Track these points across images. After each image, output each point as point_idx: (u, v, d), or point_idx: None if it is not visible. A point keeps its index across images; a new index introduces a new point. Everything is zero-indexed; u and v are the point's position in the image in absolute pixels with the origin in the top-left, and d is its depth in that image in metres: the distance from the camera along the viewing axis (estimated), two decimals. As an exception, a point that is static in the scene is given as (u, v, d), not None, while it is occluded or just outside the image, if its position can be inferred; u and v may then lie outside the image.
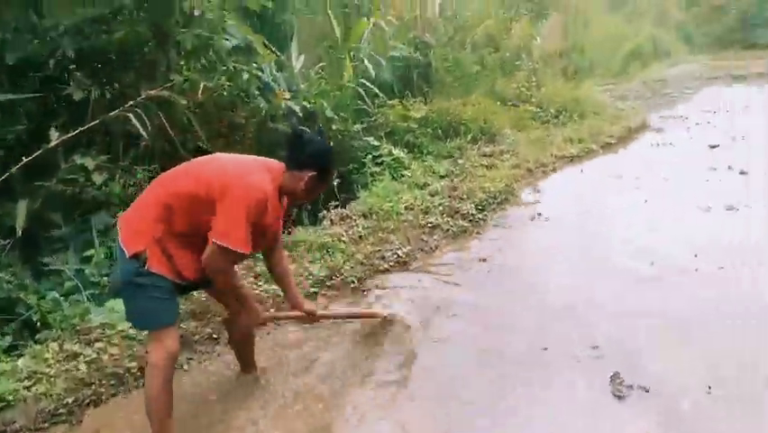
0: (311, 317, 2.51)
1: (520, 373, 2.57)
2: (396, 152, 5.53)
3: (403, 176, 5.27)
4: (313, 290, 3.25)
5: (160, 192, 2.06)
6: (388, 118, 6.10)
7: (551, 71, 9.73)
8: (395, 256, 3.69)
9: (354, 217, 4.19)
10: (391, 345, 2.76)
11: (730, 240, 3.95)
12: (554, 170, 5.95)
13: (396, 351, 2.72)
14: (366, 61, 6.66)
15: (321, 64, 6.53)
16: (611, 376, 2.45)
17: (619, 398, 2.35)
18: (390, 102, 6.42)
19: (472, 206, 4.55)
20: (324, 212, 4.28)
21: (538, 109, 7.79)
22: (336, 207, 4.36)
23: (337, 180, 4.61)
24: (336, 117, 5.37)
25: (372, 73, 6.61)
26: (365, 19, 7.00)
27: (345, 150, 5.39)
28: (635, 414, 2.27)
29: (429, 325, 2.96)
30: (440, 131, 6.27)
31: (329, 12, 6.55)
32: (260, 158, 2.22)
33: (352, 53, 6.57)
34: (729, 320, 2.91)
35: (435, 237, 4.10)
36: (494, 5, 9.98)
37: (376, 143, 5.60)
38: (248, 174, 2.02)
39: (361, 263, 3.55)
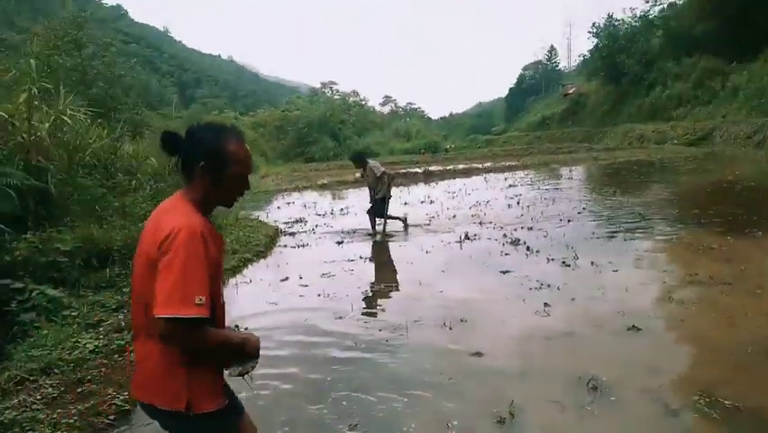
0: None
1: None
2: (50, 291, 4.67)
3: (66, 317, 4.49)
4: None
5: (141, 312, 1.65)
6: (23, 254, 5.10)
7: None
8: (113, 408, 3.13)
9: (33, 378, 3.35)
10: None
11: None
12: (225, 283, 6.14)
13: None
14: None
15: None
16: None
17: None
18: (23, 235, 5.39)
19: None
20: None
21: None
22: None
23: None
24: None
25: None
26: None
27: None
28: None
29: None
30: (94, 260, 5.61)
31: None
32: (172, 200, 1.75)
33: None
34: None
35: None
36: (98, 127, 9.68)
37: (18, 285, 4.60)
38: (177, 218, 1.62)
39: (78, 428, 2.88)
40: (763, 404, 2.88)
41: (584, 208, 9.46)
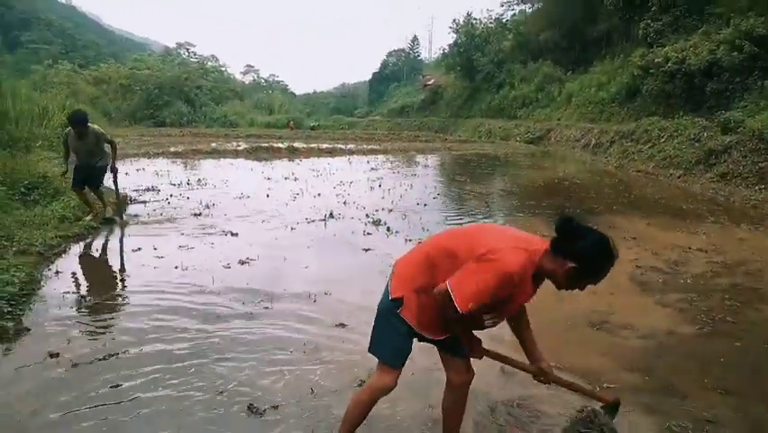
0: (543, 375, 2.38)
1: None
2: None
3: None
4: None
5: (430, 246, 2.28)
6: None
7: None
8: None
9: None
10: None
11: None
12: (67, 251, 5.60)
13: None
14: None
15: None
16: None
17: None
18: None
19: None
20: None
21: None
22: None
23: None
24: None
25: None
26: None
27: None
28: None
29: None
30: None
31: None
32: (524, 234, 2.21)
33: None
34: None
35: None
36: None
37: None
38: (508, 249, 2.02)
39: None
40: (577, 365, 3.44)
41: (438, 194, 10.15)
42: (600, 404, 2.55)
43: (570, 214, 2.06)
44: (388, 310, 2.25)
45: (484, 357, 2.36)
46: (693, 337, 3.95)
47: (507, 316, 2.28)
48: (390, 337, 2.27)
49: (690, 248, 6.22)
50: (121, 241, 6.27)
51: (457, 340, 2.29)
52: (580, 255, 2.01)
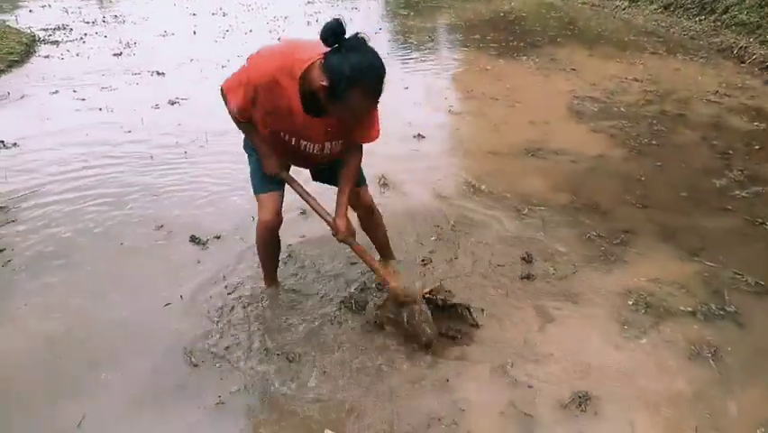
0: (337, 232, 2.12)
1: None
2: None
3: None
4: None
5: None
6: None
7: None
8: None
9: None
10: None
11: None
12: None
13: None
14: None
15: None
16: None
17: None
18: None
19: None
20: None
21: None
22: None
23: None
24: None
25: None
26: None
27: None
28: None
29: None
30: None
31: None
32: (315, 43, 1.77)
33: None
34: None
35: None
36: None
37: None
38: (267, 53, 1.89)
39: None
40: (510, 189, 3.60)
41: (380, 29, 9.61)
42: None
43: (340, 19, 1.65)
44: (244, 142, 2.26)
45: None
46: (620, 160, 4.16)
47: (306, 140, 2.01)
48: (252, 168, 2.24)
49: (626, 78, 6.30)
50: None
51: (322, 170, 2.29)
52: (331, 72, 1.69)
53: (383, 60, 1.76)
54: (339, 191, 2.12)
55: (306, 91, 1.82)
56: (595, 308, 2.45)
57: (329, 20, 1.67)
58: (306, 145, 2.03)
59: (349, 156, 2.11)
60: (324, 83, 1.71)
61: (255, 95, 1.87)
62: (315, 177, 2.39)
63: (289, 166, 2.26)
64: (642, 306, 2.45)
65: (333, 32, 1.67)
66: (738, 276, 2.68)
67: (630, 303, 2.47)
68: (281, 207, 2.23)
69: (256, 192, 2.23)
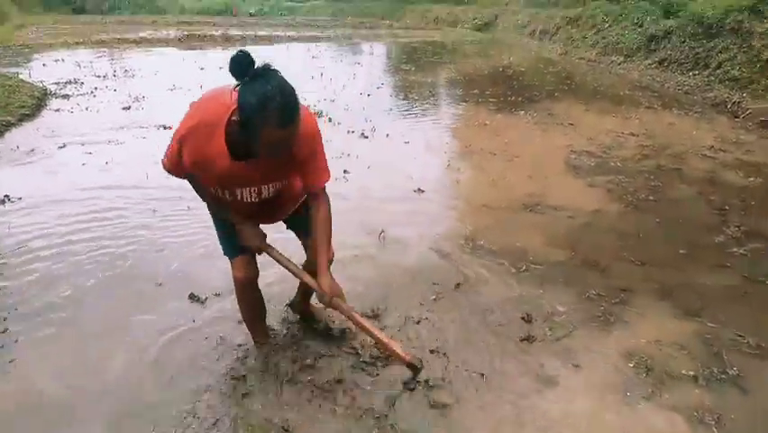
0: (328, 300, 2.04)
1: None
2: None
3: None
4: None
5: None
6: None
7: None
8: None
9: None
10: None
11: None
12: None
13: None
14: None
15: None
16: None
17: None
18: None
19: None
20: None
21: None
22: None
23: None
24: None
25: None
26: None
27: None
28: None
29: None
30: None
31: None
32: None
33: None
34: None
35: None
36: None
37: None
38: (196, 106, 1.84)
39: None
40: (509, 244, 3.62)
41: (383, 84, 9.89)
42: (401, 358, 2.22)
43: (246, 51, 1.57)
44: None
45: None
46: (617, 216, 4.20)
47: (233, 189, 1.93)
48: (219, 231, 2.20)
49: (623, 133, 6.43)
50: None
51: (296, 220, 2.23)
52: (240, 104, 1.61)
53: (293, 88, 1.66)
54: (315, 251, 2.03)
55: (231, 134, 1.75)
56: (596, 371, 2.43)
57: (238, 53, 1.59)
58: (241, 193, 1.93)
59: (314, 209, 1.98)
60: (235, 117, 1.67)
61: (181, 146, 1.81)
62: (289, 225, 2.33)
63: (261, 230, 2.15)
64: (642, 369, 2.42)
65: (239, 63, 1.58)
66: (739, 337, 2.66)
67: (631, 365, 2.45)
68: (255, 259, 2.21)
69: (227, 255, 2.20)
